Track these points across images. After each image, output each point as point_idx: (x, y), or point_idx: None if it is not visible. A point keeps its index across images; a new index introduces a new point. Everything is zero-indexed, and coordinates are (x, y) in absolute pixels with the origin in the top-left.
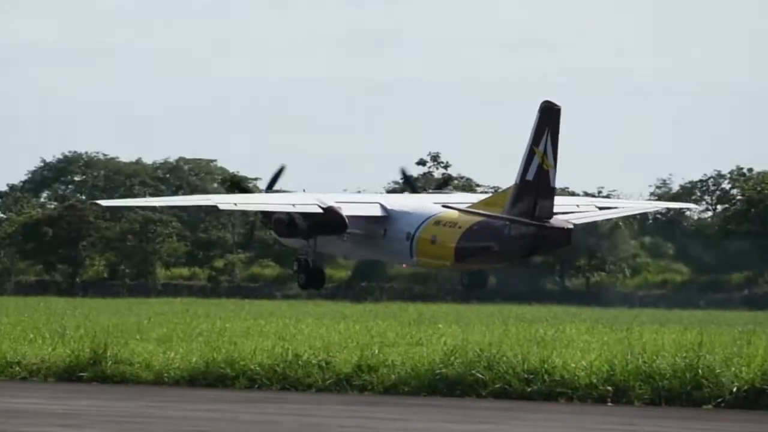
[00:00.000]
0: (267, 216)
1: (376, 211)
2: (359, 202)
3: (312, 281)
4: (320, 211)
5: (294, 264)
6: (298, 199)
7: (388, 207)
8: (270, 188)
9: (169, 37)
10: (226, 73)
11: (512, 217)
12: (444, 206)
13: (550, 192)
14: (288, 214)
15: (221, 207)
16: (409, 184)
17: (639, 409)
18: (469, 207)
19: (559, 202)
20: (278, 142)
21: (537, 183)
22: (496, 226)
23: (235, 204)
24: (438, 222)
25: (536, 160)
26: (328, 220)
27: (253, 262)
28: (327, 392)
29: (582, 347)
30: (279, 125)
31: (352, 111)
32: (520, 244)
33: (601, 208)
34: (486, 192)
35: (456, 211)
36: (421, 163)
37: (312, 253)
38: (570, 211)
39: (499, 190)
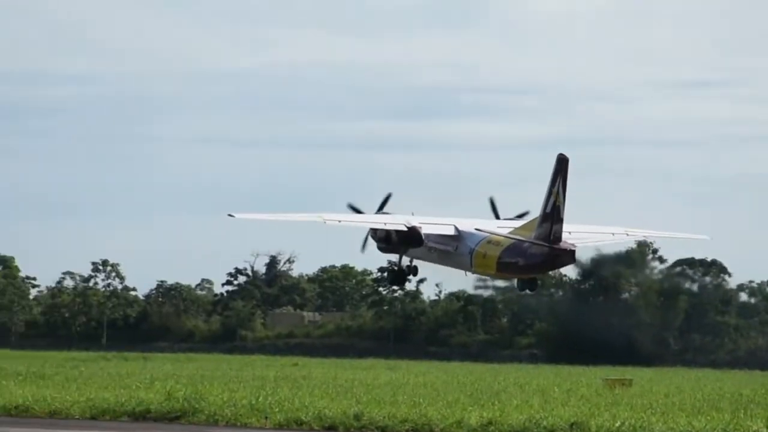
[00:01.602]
0: (374, 232)
1: (450, 231)
2: (438, 224)
3: (397, 280)
4: (405, 229)
5: (388, 274)
6: (389, 219)
7: (461, 228)
8: (379, 211)
9: None
10: None
11: (533, 240)
12: (476, 229)
13: (560, 221)
14: (386, 231)
15: (328, 222)
16: (494, 211)
17: None
18: (511, 231)
19: (595, 230)
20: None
21: (552, 215)
22: (523, 247)
23: (339, 221)
24: (489, 241)
25: (552, 198)
26: (411, 236)
27: None
28: None
29: None
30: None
31: None
32: (537, 261)
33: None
34: None
35: (502, 234)
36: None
37: (400, 259)
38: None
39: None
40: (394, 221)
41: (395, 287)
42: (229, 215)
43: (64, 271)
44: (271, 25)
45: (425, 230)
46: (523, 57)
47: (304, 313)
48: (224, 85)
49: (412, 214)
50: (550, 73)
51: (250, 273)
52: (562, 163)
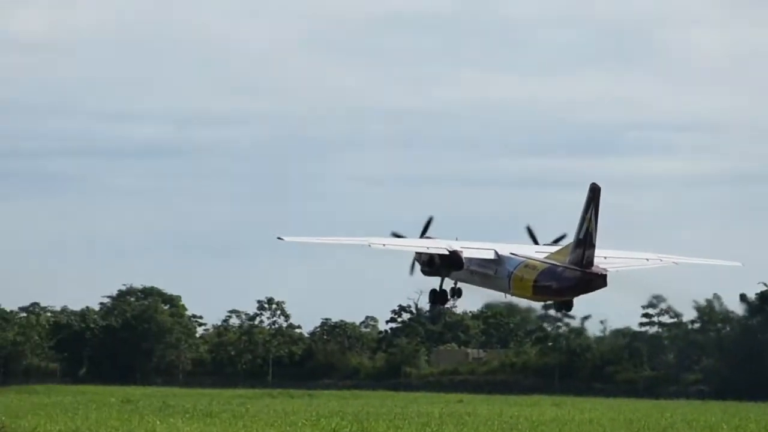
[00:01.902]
0: (418, 256)
1: (491, 255)
2: (478, 248)
3: (438, 300)
4: (447, 253)
5: (430, 294)
6: (432, 243)
7: (500, 252)
8: (422, 235)
9: None
10: None
11: (566, 265)
12: (511, 254)
13: (593, 247)
14: (429, 255)
15: (373, 246)
16: (532, 237)
17: None
18: (547, 256)
19: (630, 255)
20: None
21: (585, 241)
22: (557, 271)
23: (384, 245)
24: (526, 266)
25: (585, 225)
26: (452, 260)
27: None
28: None
29: None
30: None
31: None
32: (570, 284)
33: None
34: None
35: (538, 259)
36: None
37: (442, 281)
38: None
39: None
40: (437, 245)
41: (438, 306)
42: (279, 238)
43: (230, 309)
44: (434, 65)
45: (466, 254)
46: (686, 93)
47: (468, 350)
48: (388, 123)
49: (456, 239)
50: (715, 110)
51: (414, 310)
52: (594, 192)
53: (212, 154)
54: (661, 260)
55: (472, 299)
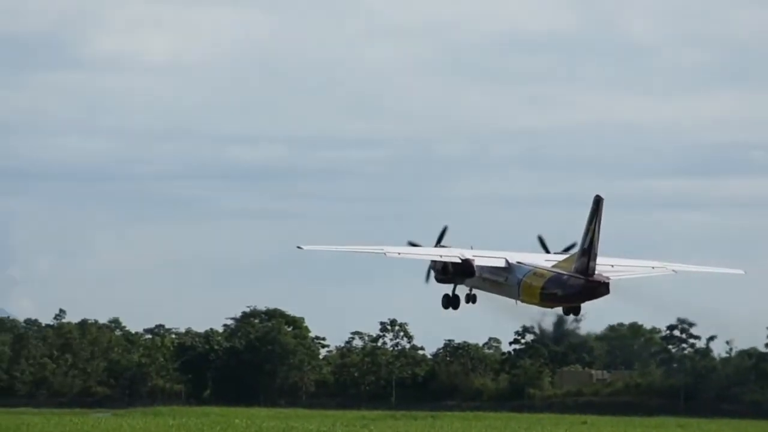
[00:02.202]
0: (433, 264)
1: (501, 263)
2: (489, 257)
3: (451, 304)
4: (459, 261)
5: (443, 298)
6: (445, 252)
7: (510, 260)
8: (437, 244)
9: None
10: None
11: (571, 273)
12: (518, 263)
13: (595, 256)
14: (443, 263)
15: (388, 255)
16: (543, 246)
17: None
18: (554, 265)
19: (636, 264)
20: None
21: (589, 250)
22: (562, 279)
23: (399, 254)
24: (535, 274)
25: (589, 235)
26: (464, 268)
27: None
28: None
29: None
30: None
31: None
32: (575, 291)
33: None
34: None
35: (545, 267)
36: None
37: (454, 288)
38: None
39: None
40: (450, 254)
41: (451, 309)
42: (298, 247)
43: (353, 331)
44: (556, 85)
45: (478, 262)
46: None
47: (593, 371)
48: (513, 144)
49: (471, 248)
50: None
51: (537, 331)
52: (598, 203)
53: (335, 176)
54: (665, 268)
55: (594, 320)
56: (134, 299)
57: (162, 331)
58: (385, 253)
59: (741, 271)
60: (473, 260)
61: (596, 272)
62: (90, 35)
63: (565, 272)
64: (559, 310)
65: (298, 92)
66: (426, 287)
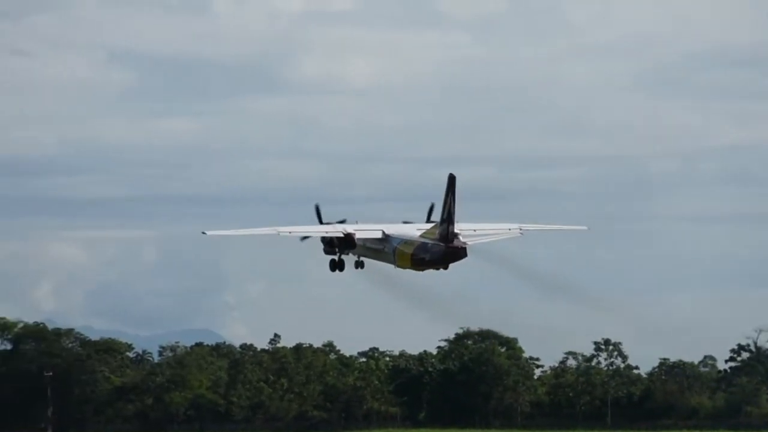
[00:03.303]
0: (323, 239)
1: (378, 235)
2: (369, 230)
3: (337, 267)
4: (342, 235)
5: (329, 263)
6: (330, 228)
7: (387, 232)
8: (320, 222)
9: None
10: None
11: (433, 241)
12: (393, 233)
13: (453, 224)
14: (330, 237)
15: (281, 234)
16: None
17: None
18: (424, 233)
19: (494, 228)
20: None
21: (447, 220)
22: (427, 246)
23: (290, 233)
24: (406, 242)
25: (446, 207)
26: (347, 241)
27: None
28: None
29: None
30: None
31: None
32: (438, 256)
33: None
34: None
35: (417, 235)
36: None
37: (338, 256)
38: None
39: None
40: (335, 229)
41: (338, 271)
42: (203, 233)
43: (567, 351)
44: (757, 99)
45: (359, 235)
46: None
47: None
48: (717, 161)
49: (357, 222)
50: None
51: (753, 349)
52: (451, 180)
53: (541, 196)
54: (520, 230)
55: None
56: (348, 323)
57: (376, 354)
58: (278, 233)
59: (585, 228)
60: (354, 234)
61: (456, 238)
62: (295, 60)
63: (429, 240)
64: None
65: (501, 112)
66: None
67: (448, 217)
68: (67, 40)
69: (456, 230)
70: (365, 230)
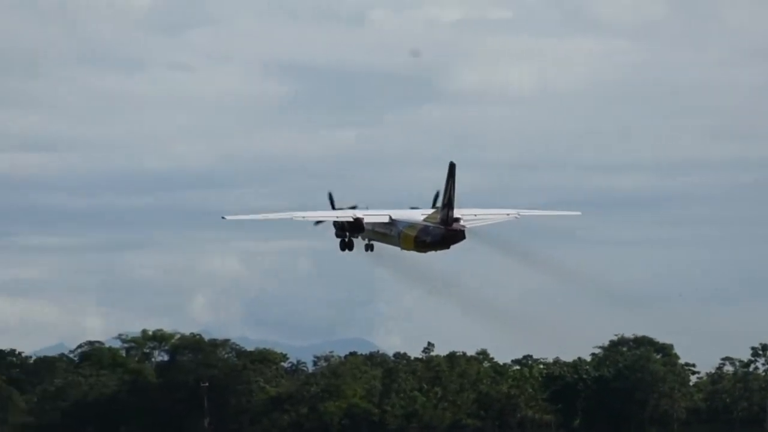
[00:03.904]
0: (335, 224)
1: (385, 220)
2: (376, 215)
3: (347, 247)
4: (351, 220)
5: (339, 244)
6: (341, 213)
7: (394, 217)
8: (333, 208)
9: None
10: None
11: (435, 224)
12: (399, 218)
13: (453, 209)
14: (341, 222)
15: (295, 218)
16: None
17: None
18: (426, 217)
19: (493, 212)
20: None
21: (447, 205)
22: (429, 229)
23: (304, 217)
24: (410, 226)
25: (447, 193)
26: (356, 225)
27: None
28: None
29: None
30: None
31: None
32: (438, 238)
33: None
34: None
35: (420, 220)
36: None
37: (347, 238)
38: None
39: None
40: (345, 215)
41: (347, 250)
42: (222, 218)
43: (724, 356)
44: None
45: (367, 220)
46: None
47: None
48: None
49: (367, 208)
50: None
51: None
52: (452, 168)
53: (704, 201)
54: (518, 215)
55: None
56: (501, 330)
57: (530, 362)
58: (292, 218)
59: (578, 213)
60: (363, 218)
61: (455, 222)
62: (453, 69)
63: (431, 224)
64: None
65: (662, 118)
66: None
67: (448, 203)
68: (226, 54)
69: (458, 215)
70: (373, 215)
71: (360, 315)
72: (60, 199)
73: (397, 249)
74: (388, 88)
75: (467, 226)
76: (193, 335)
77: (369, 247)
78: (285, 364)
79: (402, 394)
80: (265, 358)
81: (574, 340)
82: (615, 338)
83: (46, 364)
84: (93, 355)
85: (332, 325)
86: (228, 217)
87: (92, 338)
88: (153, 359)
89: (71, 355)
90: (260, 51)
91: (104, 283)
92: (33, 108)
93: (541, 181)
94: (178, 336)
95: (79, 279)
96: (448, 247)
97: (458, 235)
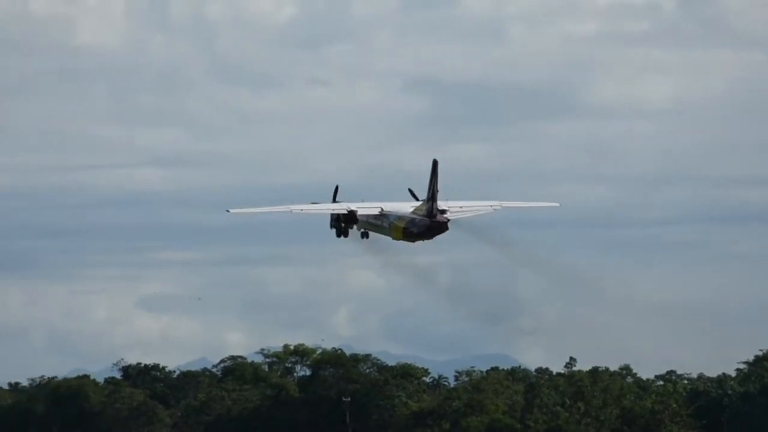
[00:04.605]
0: (330, 216)
1: (377, 212)
2: (369, 207)
3: (342, 234)
4: (346, 212)
5: (335, 232)
6: (336, 206)
7: (385, 209)
8: (334, 200)
9: None
10: None
11: (420, 216)
12: (389, 210)
13: (436, 202)
14: (337, 214)
15: (293, 212)
16: (413, 196)
17: None
18: (413, 210)
19: (476, 204)
20: None
21: (432, 198)
22: (416, 221)
23: (302, 210)
24: (400, 218)
25: (431, 187)
26: (350, 217)
27: None
28: None
29: None
30: None
31: None
32: (423, 229)
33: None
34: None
35: (409, 212)
36: None
37: (342, 227)
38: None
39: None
40: (339, 207)
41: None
42: (227, 211)
43: None
44: None
45: (360, 212)
46: None
47: None
48: None
49: (362, 201)
50: None
51: None
52: (435, 164)
53: None
54: (501, 206)
55: None
56: (645, 345)
57: (674, 377)
58: (291, 210)
59: (556, 204)
60: (357, 210)
61: (439, 215)
62: (590, 83)
63: (418, 216)
64: None
65: None
66: None
67: (432, 196)
68: (364, 69)
69: (445, 207)
70: (366, 207)
71: (501, 330)
72: (200, 214)
73: (389, 239)
74: (525, 103)
75: (451, 217)
76: (334, 350)
77: (364, 235)
78: (426, 379)
79: (544, 410)
80: (406, 373)
81: (718, 355)
82: (760, 353)
83: (190, 379)
84: (236, 369)
85: (473, 341)
86: (232, 211)
87: (234, 353)
88: (295, 374)
89: (214, 370)
90: (399, 66)
91: (246, 298)
92: (170, 124)
93: (679, 195)
94: (319, 351)
95: (221, 294)
96: (432, 237)
97: (441, 227)
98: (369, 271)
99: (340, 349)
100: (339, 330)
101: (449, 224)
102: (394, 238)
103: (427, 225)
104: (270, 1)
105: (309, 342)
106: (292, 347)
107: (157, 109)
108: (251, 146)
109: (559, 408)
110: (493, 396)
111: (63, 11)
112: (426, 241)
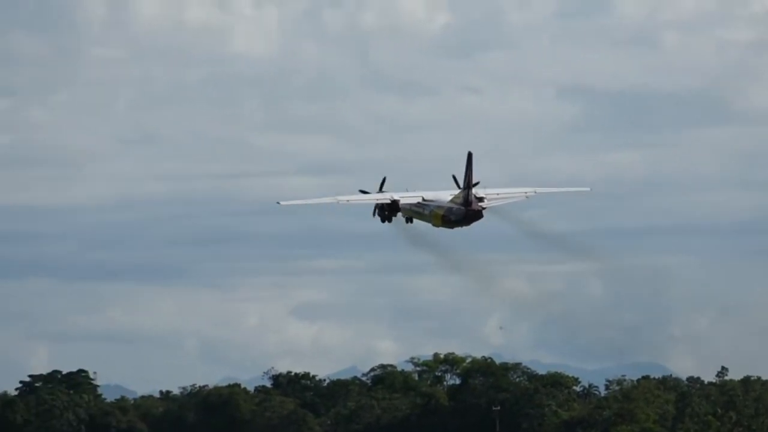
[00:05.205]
0: (375, 205)
1: (418, 200)
2: (411, 196)
3: (386, 219)
4: (389, 201)
5: (380, 219)
6: (380, 196)
7: (426, 198)
8: (380, 191)
9: None
10: None
11: (457, 205)
12: (422, 198)
13: (472, 191)
14: (381, 203)
15: (340, 202)
16: (456, 183)
17: None
18: (451, 199)
19: (512, 191)
20: None
21: (467, 188)
22: (453, 209)
23: (348, 200)
24: (439, 206)
25: (466, 178)
26: (393, 206)
27: None
28: None
29: None
30: None
31: None
32: (460, 217)
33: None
34: None
35: (448, 200)
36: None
37: (386, 215)
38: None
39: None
40: (383, 197)
41: (386, 222)
42: (277, 203)
43: None
44: None
45: (402, 201)
46: None
47: None
48: None
49: (407, 190)
50: None
51: None
52: (470, 157)
53: None
54: (535, 192)
55: None
56: None
57: None
58: (337, 201)
59: (587, 189)
60: (399, 200)
61: (475, 203)
62: (745, 90)
63: (455, 204)
64: None
65: None
66: None
67: (467, 186)
68: (517, 77)
69: (482, 194)
70: (408, 197)
71: (653, 338)
72: (350, 221)
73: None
74: (678, 111)
75: (485, 205)
76: (484, 359)
77: (408, 220)
78: (577, 388)
79: (696, 419)
80: (557, 382)
81: None
82: None
83: (340, 387)
84: (386, 378)
85: (624, 349)
86: (282, 203)
87: (384, 362)
88: (445, 382)
89: (364, 379)
90: (552, 74)
91: (395, 306)
92: (321, 132)
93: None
94: (469, 359)
95: (371, 302)
96: (470, 224)
97: (477, 214)
98: (519, 278)
99: (490, 357)
100: (490, 338)
101: (484, 212)
102: (434, 225)
103: (464, 213)
104: (424, 9)
105: (459, 351)
106: (442, 356)
107: (310, 116)
108: (402, 153)
109: (710, 417)
110: (644, 405)
111: (218, 20)
112: (463, 227)
